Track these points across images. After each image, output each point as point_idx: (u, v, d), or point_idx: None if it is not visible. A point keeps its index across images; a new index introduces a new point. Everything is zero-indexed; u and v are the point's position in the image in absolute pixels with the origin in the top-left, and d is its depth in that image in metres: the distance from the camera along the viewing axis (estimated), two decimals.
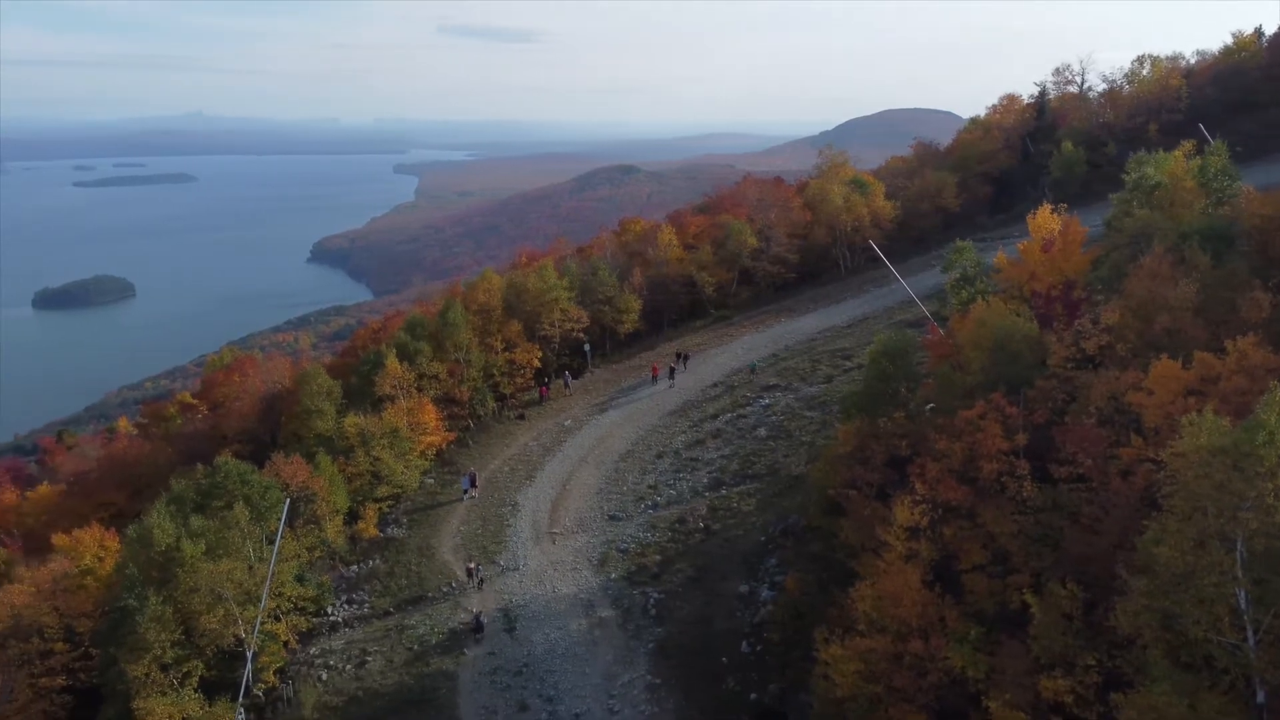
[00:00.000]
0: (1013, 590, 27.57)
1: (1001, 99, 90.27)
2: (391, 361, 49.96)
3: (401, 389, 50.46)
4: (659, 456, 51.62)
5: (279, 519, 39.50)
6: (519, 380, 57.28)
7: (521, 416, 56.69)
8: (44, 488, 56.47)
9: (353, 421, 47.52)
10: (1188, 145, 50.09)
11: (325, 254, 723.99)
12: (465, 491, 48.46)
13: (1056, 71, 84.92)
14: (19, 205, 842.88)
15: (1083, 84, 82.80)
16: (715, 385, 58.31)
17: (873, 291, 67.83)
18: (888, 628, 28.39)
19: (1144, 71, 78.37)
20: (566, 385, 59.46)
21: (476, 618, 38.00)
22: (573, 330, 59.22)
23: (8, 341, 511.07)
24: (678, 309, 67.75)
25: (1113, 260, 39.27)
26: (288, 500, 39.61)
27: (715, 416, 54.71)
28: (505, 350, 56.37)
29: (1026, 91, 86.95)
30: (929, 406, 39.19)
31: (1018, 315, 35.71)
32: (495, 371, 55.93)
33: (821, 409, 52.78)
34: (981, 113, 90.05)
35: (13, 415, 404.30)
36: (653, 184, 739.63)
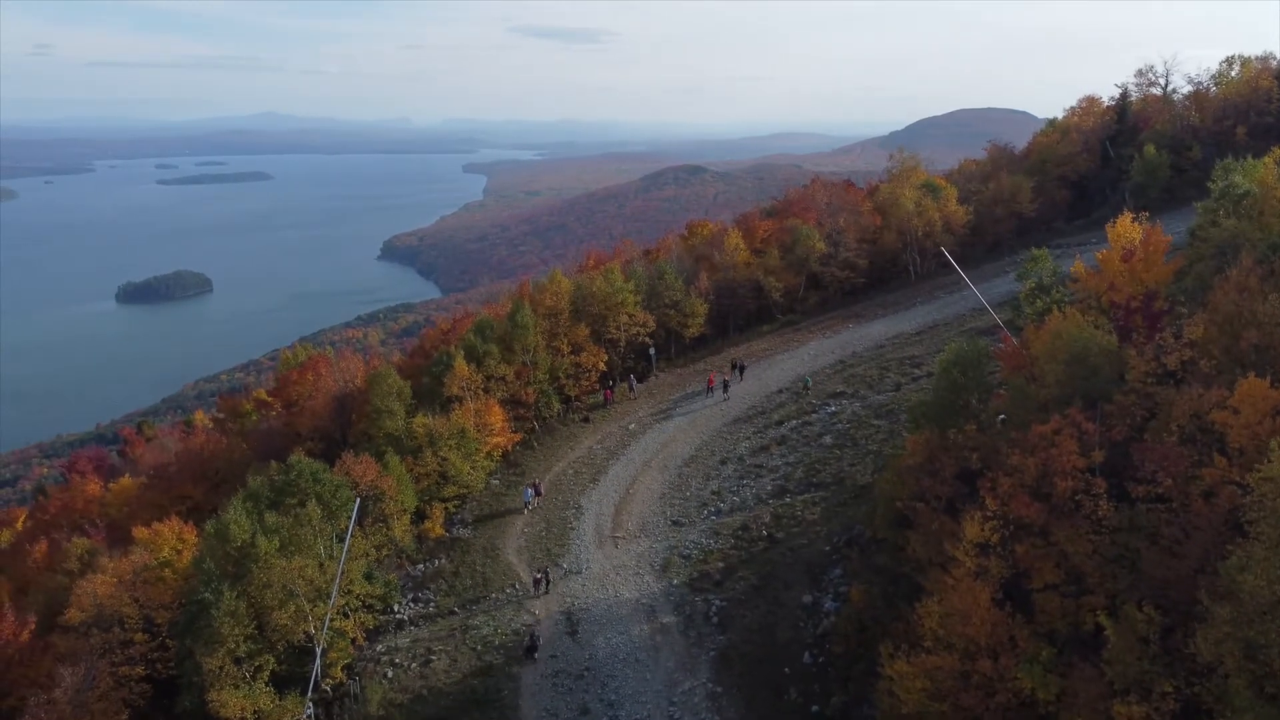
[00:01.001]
0: (1086, 611, 26.86)
1: (1081, 100, 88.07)
2: (460, 363, 50.57)
3: (469, 390, 51.03)
4: (723, 462, 51.44)
5: (349, 517, 40.28)
6: (584, 383, 57.55)
7: (586, 419, 56.95)
8: (125, 479, 58.35)
9: (421, 422, 48.23)
10: (1279, 151, 48.22)
11: (395, 252, 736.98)
12: (527, 503, 48.53)
13: (1139, 73, 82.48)
14: (106, 202, 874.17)
15: (1166, 85, 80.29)
16: (781, 392, 57.84)
17: (943, 298, 66.66)
18: (955, 645, 27.89)
19: (1232, 72, 75.71)
20: (631, 389, 59.57)
21: (532, 636, 37.80)
22: (638, 335, 59.31)
23: (92, 334, 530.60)
24: (744, 313, 67.39)
25: (1197, 272, 38.01)
26: (358, 500, 40.34)
27: (780, 423, 54.30)
28: (572, 353, 56.67)
29: (1105, 92, 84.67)
30: (1000, 418, 38.45)
31: (1096, 327, 34.72)
32: (561, 374, 56.27)
33: (889, 417, 52.09)
34: (1059, 114, 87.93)
35: (96, 405, 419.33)
36: (720, 184, 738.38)
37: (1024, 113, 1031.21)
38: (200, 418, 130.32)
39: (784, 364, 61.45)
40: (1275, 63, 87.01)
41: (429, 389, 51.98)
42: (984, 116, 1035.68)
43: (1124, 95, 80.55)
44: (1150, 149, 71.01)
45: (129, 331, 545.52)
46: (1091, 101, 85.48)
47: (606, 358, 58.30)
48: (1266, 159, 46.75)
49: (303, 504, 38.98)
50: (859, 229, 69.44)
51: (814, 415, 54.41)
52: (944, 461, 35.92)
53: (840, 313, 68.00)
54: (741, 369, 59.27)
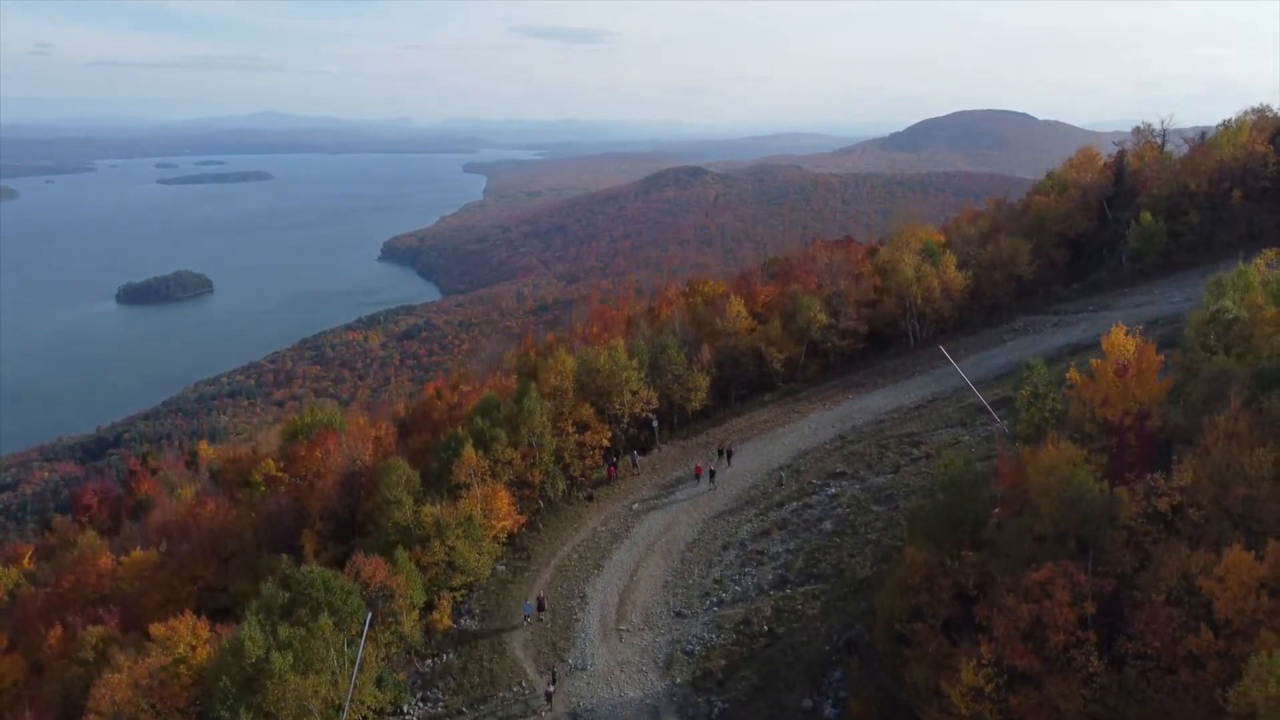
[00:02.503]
0: None
1: (1079, 153, 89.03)
2: (468, 451, 51.50)
3: (476, 476, 51.96)
4: (725, 548, 52.38)
5: (361, 622, 41.29)
6: (588, 461, 58.46)
7: (590, 497, 57.89)
8: (136, 552, 59.24)
9: (430, 511, 49.20)
10: (1270, 254, 49.08)
11: (395, 252, 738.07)
12: (527, 617, 47.52)
13: (1136, 131, 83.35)
14: (106, 202, 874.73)
15: (1163, 144, 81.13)
16: (782, 469, 58.79)
17: (942, 367, 67.51)
18: None
19: (1232, 121, 76.60)
20: (634, 464, 60.52)
21: None
22: (642, 411, 60.27)
23: (93, 335, 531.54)
24: (746, 381, 68.34)
25: (1189, 394, 38.91)
26: (369, 615, 41.30)
27: (781, 505, 55.25)
28: (576, 432, 57.61)
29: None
30: (995, 516, 39.61)
31: (1088, 460, 35.58)
32: (566, 454, 57.19)
33: (888, 503, 53.04)
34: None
35: (96, 408, 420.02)
36: (720, 186, 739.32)
37: (1024, 114, 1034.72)
38: (204, 449, 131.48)
39: (785, 438, 62.39)
40: (1273, 114, 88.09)
41: (437, 474, 52.92)
42: (985, 118, 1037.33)
43: (1121, 156, 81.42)
44: (1146, 216, 71.91)
45: (129, 332, 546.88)
46: (1089, 156, 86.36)
47: (610, 434, 59.24)
48: (1259, 261, 47.55)
49: (315, 615, 39.93)
50: (859, 295, 70.34)
51: (814, 497, 55.36)
52: (942, 584, 36.97)
53: (840, 381, 68.97)
54: (729, 455, 59.38)
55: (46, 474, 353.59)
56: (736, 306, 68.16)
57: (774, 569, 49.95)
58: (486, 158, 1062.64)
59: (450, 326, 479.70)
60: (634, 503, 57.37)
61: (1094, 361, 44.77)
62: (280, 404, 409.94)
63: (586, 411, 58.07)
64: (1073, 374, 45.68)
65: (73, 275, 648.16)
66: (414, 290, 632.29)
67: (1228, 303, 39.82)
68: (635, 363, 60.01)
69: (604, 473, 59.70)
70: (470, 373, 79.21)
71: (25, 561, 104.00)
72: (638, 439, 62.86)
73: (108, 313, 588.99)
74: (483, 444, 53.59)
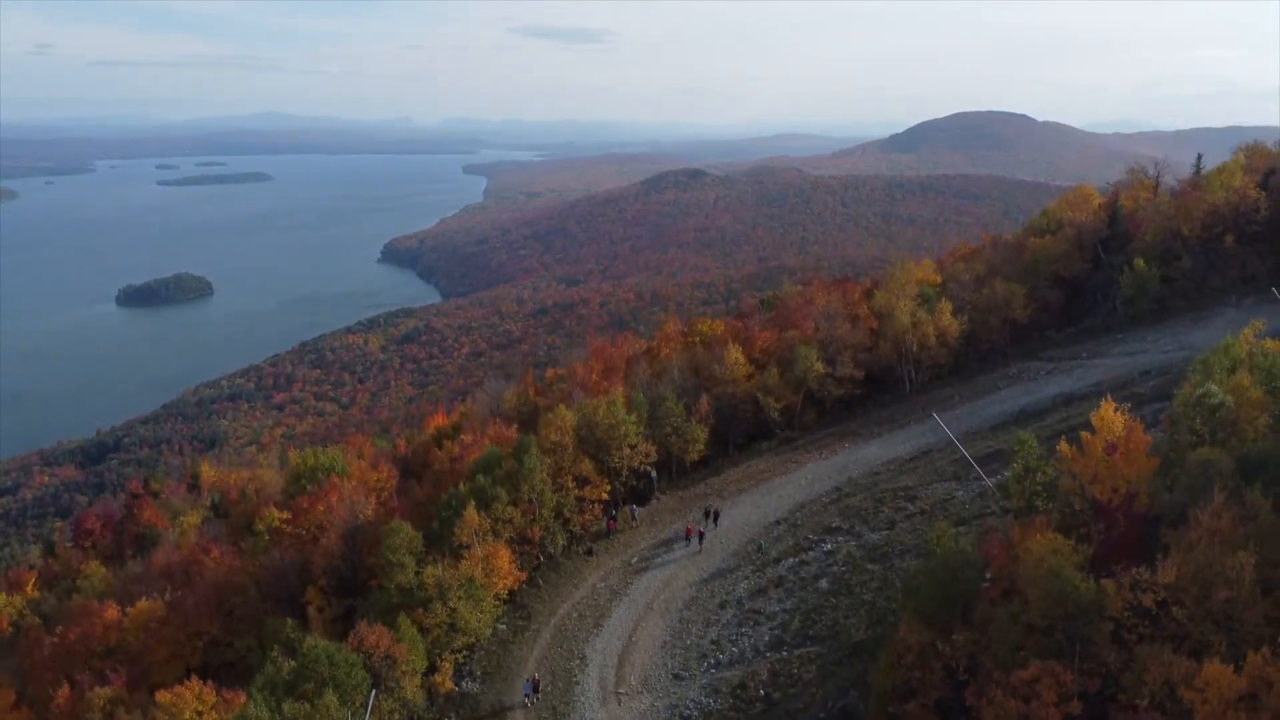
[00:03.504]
0: None
1: (1074, 191, 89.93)
2: (470, 513, 52.31)
3: (478, 536, 52.79)
4: (722, 606, 53.22)
5: (365, 694, 42.16)
6: (588, 516, 59.29)
7: (590, 551, 58.71)
8: (143, 603, 59.99)
9: (432, 574, 50.01)
10: (1258, 324, 49.86)
11: (395, 254, 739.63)
12: (526, 696, 47.17)
13: (1130, 172, 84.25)
14: (106, 203, 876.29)
15: (1157, 187, 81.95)
16: (779, 523, 59.64)
17: (938, 416, 68.41)
18: None
19: (1220, 181, 77.43)
20: (633, 517, 61.35)
21: None
22: (640, 465, 61.13)
23: (93, 338, 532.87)
24: (744, 428, 69.17)
25: (1176, 479, 39.72)
26: (374, 691, 42.15)
27: (778, 561, 56.12)
28: (576, 487, 58.45)
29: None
30: (987, 581, 40.59)
31: (1075, 550, 36.38)
32: (566, 509, 58.01)
33: (883, 561, 53.90)
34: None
35: (96, 411, 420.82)
36: (720, 188, 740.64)
37: (1024, 115, 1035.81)
38: (206, 470, 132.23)
39: (782, 489, 63.25)
40: (1264, 147, 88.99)
41: (438, 533, 53.72)
42: (985, 119, 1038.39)
43: (1115, 199, 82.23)
44: (1140, 263, 72.77)
45: (129, 335, 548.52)
46: (1084, 195, 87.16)
47: (609, 487, 60.07)
48: (1246, 332, 48.33)
49: (320, 691, 40.77)
50: (856, 341, 71.16)
51: (810, 553, 56.23)
52: (933, 664, 37.90)
53: (837, 430, 69.78)
54: (715, 516, 59.58)
55: (47, 479, 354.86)
56: (735, 354, 68.96)
57: (770, 629, 50.80)
58: (486, 158, 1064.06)
59: (450, 330, 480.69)
60: (633, 557, 58.25)
61: (1084, 435, 45.60)
62: (280, 408, 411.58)
63: (586, 466, 58.90)
64: (1063, 447, 46.51)
65: (72, 277, 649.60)
66: (414, 293, 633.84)
67: (1213, 387, 40.63)
68: (634, 417, 60.82)
69: (603, 525, 60.53)
70: (471, 413, 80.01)
71: (29, 588, 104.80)
72: (636, 488, 63.66)
73: (107, 315, 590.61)
74: (484, 502, 54.38)
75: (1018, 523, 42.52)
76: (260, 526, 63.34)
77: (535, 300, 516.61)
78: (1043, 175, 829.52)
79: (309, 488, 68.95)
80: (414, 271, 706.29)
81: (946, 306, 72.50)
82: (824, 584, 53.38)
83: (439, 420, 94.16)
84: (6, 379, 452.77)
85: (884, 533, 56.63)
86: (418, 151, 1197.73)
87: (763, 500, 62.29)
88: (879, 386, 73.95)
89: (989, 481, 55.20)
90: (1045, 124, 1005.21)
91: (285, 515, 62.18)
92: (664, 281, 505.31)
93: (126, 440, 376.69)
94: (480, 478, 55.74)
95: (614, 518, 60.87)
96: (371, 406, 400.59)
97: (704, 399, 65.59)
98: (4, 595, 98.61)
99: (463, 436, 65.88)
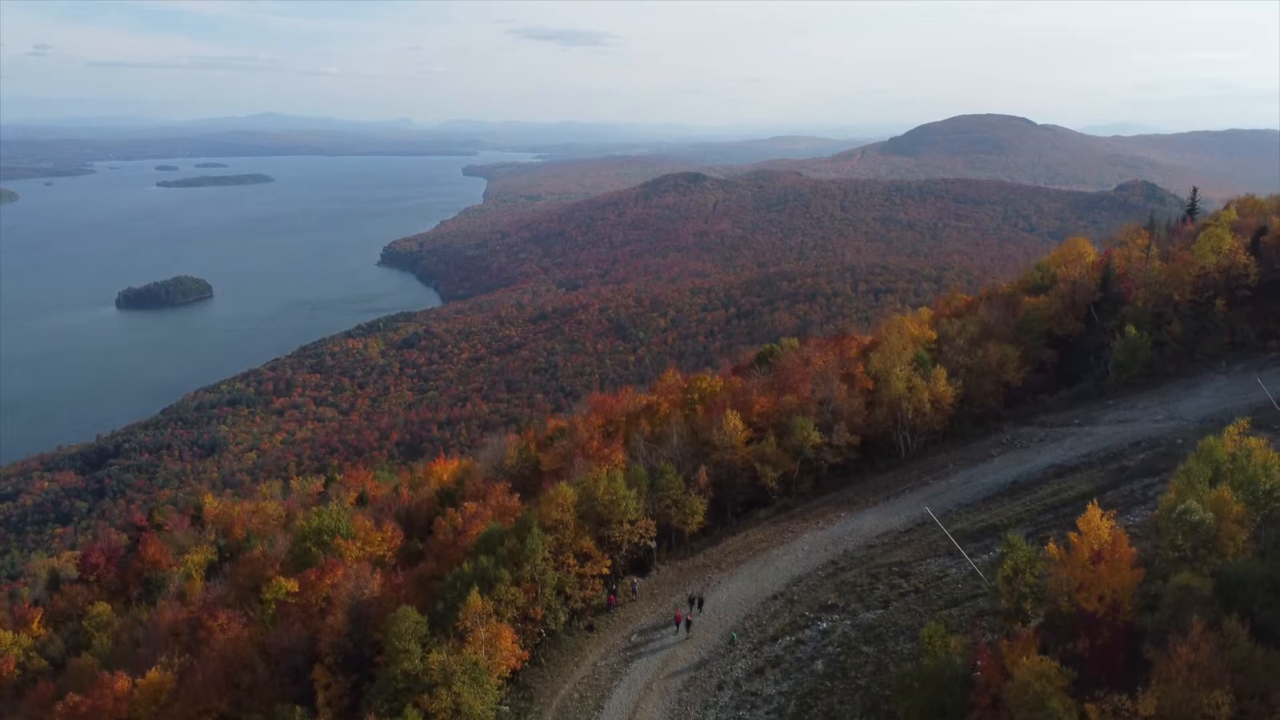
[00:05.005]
0: None
1: (1067, 245, 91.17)
2: (473, 598, 53.59)
3: (482, 620, 54.08)
4: (720, 687, 54.50)
5: None
6: (588, 591, 60.60)
7: (590, 627, 60.03)
8: (153, 673, 61.27)
9: (436, 659, 51.35)
10: (1243, 421, 51.11)
11: (395, 257, 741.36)
12: None
13: (1124, 230, 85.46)
14: (106, 205, 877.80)
15: (1149, 253, 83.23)
16: (775, 598, 60.95)
17: (932, 484, 69.77)
18: None
19: (1210, 246, 78.73)
20: (634, 591, 62.66)
21: None
22: (640, 541, 62.46)
23: (92, 342, 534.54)
24: (742, 495, 70.48)
25: (1158, 598, 41.06)
26: None
27: (775, 639, 57.41)
28: (578, 564, 59.77)
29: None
30: (976, 673, 41.91)
31: (1060, 671, 37.73)
32: (567, 586, 59.31)
33: (877, 644, 55.16)
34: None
35: (96, 416, 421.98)
36: (720, 192, 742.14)
37: (1023, 118, 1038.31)
38: (209, 500, 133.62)
39: (779, 561, 64.54)
40: (1253, 200, 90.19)
41: (442, 615, 55.01)
42: (983, 122, 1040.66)
43: (1108, 257, 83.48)
44: (1131, 330, 74.05)
45: (129, 338, 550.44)
46: (1078, 251, 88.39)
47: (610, 562, 61.40)
48: (1230, 430, 49.58)
49: None
50: (851, 409, 72.45)
51: (807, 631, 57.53)
52: None
53: (834, 497, 71.06)
54: (700, 603, 60.07)
55: (47, 484, 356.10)
56: (734, 421, 70.21)
57: (767, 713, 52.09)
58: (486, 160, 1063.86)
59: (450, 335, 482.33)
60: (632, 633, 59.56)
61: (1072, 537, 46.89)
62: (280, 413, 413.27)
63: (588, 543, 60.24)
64: (1051, 548, 47.85)
65: (73, 279, 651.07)
66: (414, 296, 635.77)
67: (1194, 504, 41.91)
68: (634, 493, 62.11)
69: (604, 599, 61.83)
70: (474, 471, 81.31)
71: (35, 625, 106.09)
72: (636, 558, 64.95)
73: (108, 318, 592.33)
74: (487, 584, 55.66)
75: (1006, 630, 43.91)
76: (268, 596, 64.56)
77: (535, 305, 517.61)
78: (1042, 178, 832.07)
79: (315, 550, 70.47)
80: (414, 274, 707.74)
81: (941, 373, 73.78)
82: (819, 665, 54.69)
83: (442, 468, 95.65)
84: (6, 382, 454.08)
85: (879, 611, 57.93)
86: (418, 153, 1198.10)
87: (760, 573, 63.60)
88: (875, 451, 75.25)
89: (973, 564, 56.60)
90: (1044, 127, 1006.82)
91: (293, 586, 63.44)
92: (664, 287, 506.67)
93: (127, 446, 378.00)
94: (483, 558, 57.02)
95: (614, 591, 62.19)
96: (371, 412, 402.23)
97: (702, 470, 66.90)
98: (10, 634, 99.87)
99: (466, 505, 67.12)
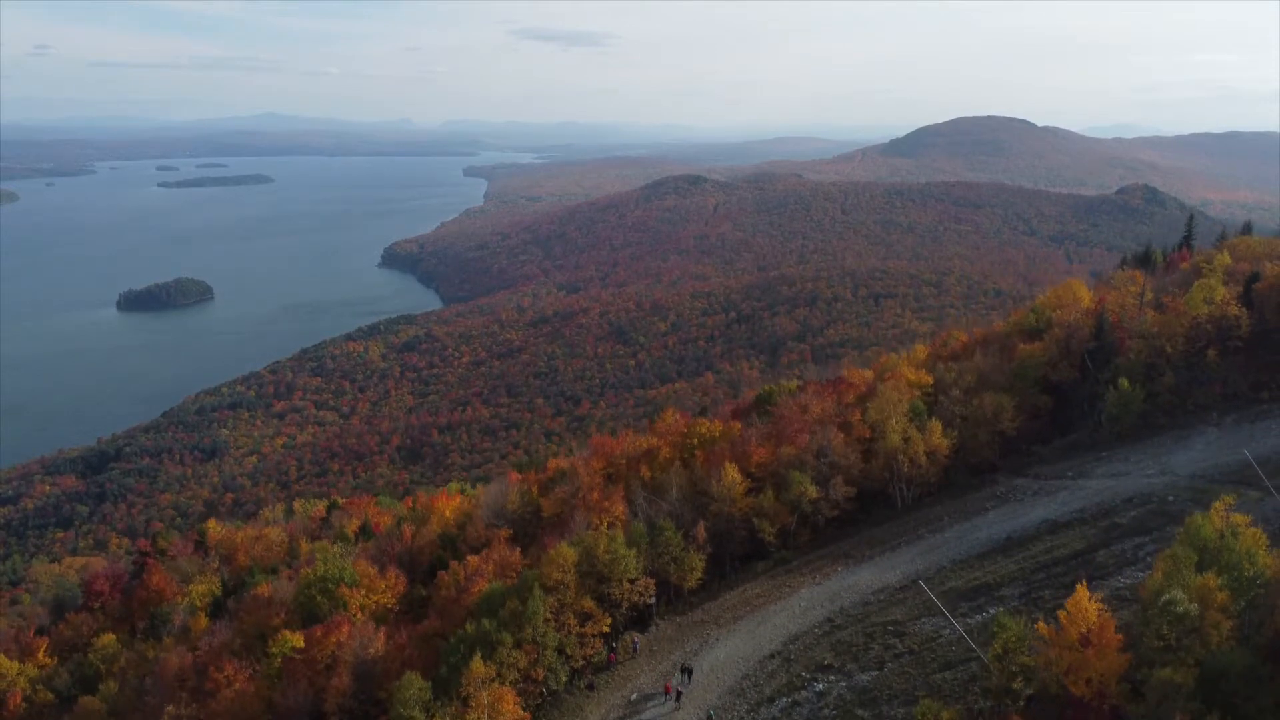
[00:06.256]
0: None
1: (1063, 286, 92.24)
2: (476, 664, 54.70)
3: (484, 684, 55.20)
4: None
5: None
6: (589, 651, 61.70)
7: (591, 686, 61.13)
8: None
9: None
10: (1230, 498, 52.08)
11: (396, 258, 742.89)
12: None
13: (1120, 268, 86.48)
14: (107, 205, 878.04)
15: (1142, 302, 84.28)
16: (773, 657, 62.00)
17: (928, 537, 70.81)
18: None
19: (1203, 298, 79.79)
20: (634, 649, 63.77)
21: None
22: (640, 600, 63.57)
23: (93, 344, 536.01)
24: (740, 549, 71.61)
25: (1143, 689, 42.17)
26: None
27: (772, 700, 58.45)
28: (579, 624, 60.88)
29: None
30: None
31: None
32: (568, 646, 60.42)
33: (871, 708, 56.23)
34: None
35: (96, 419, 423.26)
36: (720, 194, 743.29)
37: (1023, 120, 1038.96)
38: (213, 526, 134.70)
39: (776, 617, 65.60)
40: (1245, 233, 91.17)
41: (445, 678, 56.13)
42: (983, 124, 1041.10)
43: (1100, 305, 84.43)
44: (1124, 383, 75.11)
45: (130, 340, 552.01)
46: (1074, 294, 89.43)
47: (610, 620, 62.50)
48: (1218, 506, 50.54)
49: None
50: (848, 461, 73.59)
51: (803, 693, 58.52)
52: None
53: (831, 550, 72.11)
54: (689, 673, 60.00)
55: (48, 488, 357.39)
56: (732, 473, 71.34)
57: None
58: (487, 160, 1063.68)
59: (450, 338, 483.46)
60: (632, 693, 60.64)
61: (1061, 616, 47.96)
62: (281, 416, 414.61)
63: (588, 603, 61.33)
64: (1040, 627, 48.96)
65: (73, 281, 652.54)
66: (414, 298, 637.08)
67: (1179, 594, 42.95)
68: (634, 552, 63.24)
69: (604, 657, 62.94)
70: (476, 516, 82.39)
71: (40, 655, 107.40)
72: (635, 605, 65.96)
73: (108, 319, 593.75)
74: (489, 647, 56.79)
75: (997, 709, 45.03)
76: (274, 650, 65.68)
77: (535, 309, 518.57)
78: (1042, 180, 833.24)
79: (319, 599, 71.68)
80: (414, 276, 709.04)
81: (937, 426, 74.89)
82: None
83: (444, 504, 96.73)
84: (7, 384, 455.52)
85: (874, 673, 58.96)
86: (418, 153, 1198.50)
87: (757, 629, 64.67)
88: (871, 502, 76.37)
89: (962, 631, 57.70)
90: (1045, 128, 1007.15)
91: (299, 641, 64.57)
92: (664, 290, 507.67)
93: (128, 449, 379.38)
94: (485, 621, 58.15)
95: (615, 649, 63.30)
96: (372, 416, 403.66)
97: (700, 526, 68.03)
98: (16, 664, 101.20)
99: (469, 559, 68.24)
